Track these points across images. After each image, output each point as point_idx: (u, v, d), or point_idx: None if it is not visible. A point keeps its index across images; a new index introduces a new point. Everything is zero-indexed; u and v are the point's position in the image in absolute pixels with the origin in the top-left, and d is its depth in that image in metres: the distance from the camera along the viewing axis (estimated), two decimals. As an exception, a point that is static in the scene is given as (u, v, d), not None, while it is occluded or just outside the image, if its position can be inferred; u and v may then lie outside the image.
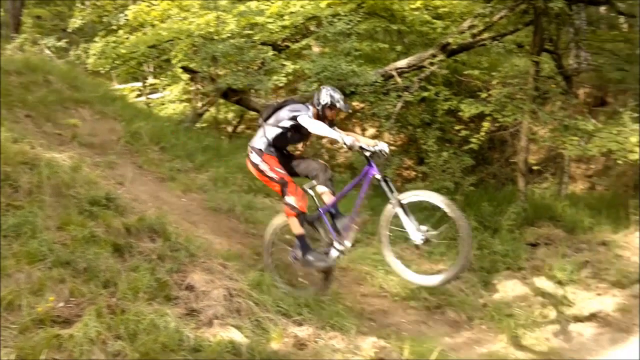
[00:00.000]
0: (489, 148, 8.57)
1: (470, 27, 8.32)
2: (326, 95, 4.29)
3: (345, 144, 3.98)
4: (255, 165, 4.39)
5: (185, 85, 11.04)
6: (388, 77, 8.70)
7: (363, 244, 5.93)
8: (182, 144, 6.85)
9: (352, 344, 3.69)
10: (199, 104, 9.28)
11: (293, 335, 3.60)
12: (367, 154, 4.15)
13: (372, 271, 5.35)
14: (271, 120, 4.41)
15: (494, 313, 4.96)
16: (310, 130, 4.22)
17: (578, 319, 4.99)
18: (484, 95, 7.62)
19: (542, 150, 8.11)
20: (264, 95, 9.34)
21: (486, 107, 7.38)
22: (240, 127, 10.73)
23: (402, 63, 8.83)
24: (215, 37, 8.88)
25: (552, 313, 5.04)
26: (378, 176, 4.11)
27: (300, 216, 4.26)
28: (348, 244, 4.28)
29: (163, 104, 11.57)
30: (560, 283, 5.39)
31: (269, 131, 4.40)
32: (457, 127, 7.51)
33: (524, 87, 7.61)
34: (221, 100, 9.36)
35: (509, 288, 5.46)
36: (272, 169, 4.31)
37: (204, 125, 9.91)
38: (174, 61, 9.50)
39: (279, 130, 4.36)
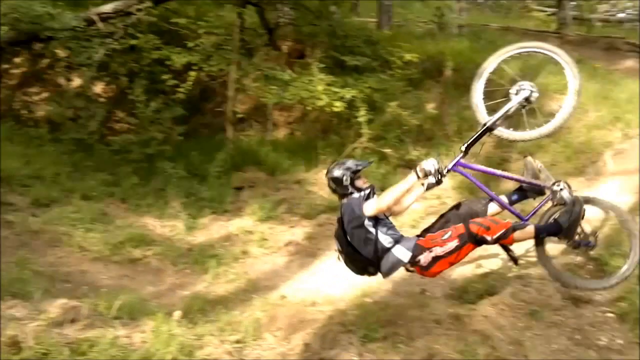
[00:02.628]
0: (203, 98, 8.71)
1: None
2: (341, 174, 3.70)
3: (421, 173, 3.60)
4: (435, 259, 3.61)
5: None
6: (91, 22, 8.07)
7: (61, 204, 5.55)
8: None
9: (36, 309, 3.45)
10: None
11: (-48, 315, 3.19)
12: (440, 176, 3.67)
13: (70, 231, 5.05)
14: (367, 248, 3.66)
15: (198, 256, 5.18)
16: (378, 211, 3.60)
17: (273, 251, 5.54)
18: (191, 44, 7.65)
19: (250, 100, 8.57)
20: None
21: (193, 56, 7.45)
22: None
23: (107, 8, 8.26)
24: None
25: (251, 249, 5.49)
26: (463, 148, 3.84)
27: (517, 226, 3.67)
28: (555, 179, 3.86)
29: None
30: (259, 220, 5.90)
31: (382, 241, 3.65)
32: (165, 77, 7.39)
33: (230, 38, 7.90)
34: None
35: (213, 231, 5.76)
36: (444, 241, 3.59)
37: None
38: None
39: (381, 235, 3.65)
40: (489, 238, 3.58)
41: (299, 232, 5.83)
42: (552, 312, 3.89)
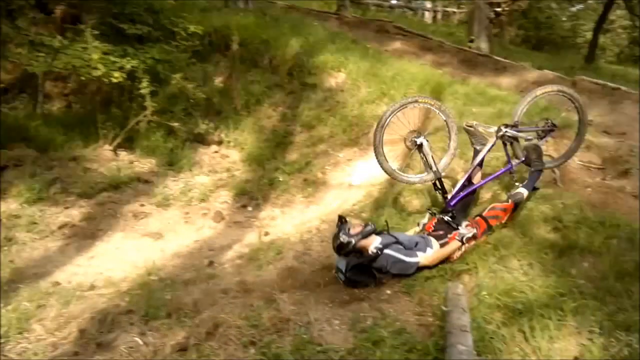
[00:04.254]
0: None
1: None
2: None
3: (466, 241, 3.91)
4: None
5: None
6: None
7: None
8: None
9: None
10: None
11: None
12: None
13: None
14: None
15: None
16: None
17: (45, 235, 5.00)
18: None
19: (15, 69, 7.53)
20: None
21: None
22: None
23: None
24: None
25: (18, 235, 4.87)
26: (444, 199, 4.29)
27: (517, 202, 4.19)
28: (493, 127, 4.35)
29: None
30: (27, 203, 5.27)
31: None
32: None
33: (-16, -3, 6.81)
34: None
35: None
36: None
37: None
38: None
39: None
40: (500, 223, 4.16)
41: (75, 213, 5.34)
42: (331, 270, 4.20)
